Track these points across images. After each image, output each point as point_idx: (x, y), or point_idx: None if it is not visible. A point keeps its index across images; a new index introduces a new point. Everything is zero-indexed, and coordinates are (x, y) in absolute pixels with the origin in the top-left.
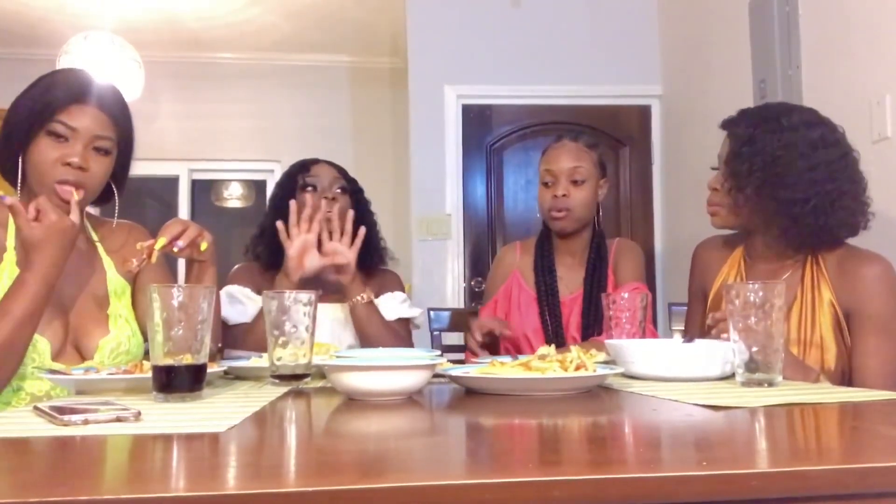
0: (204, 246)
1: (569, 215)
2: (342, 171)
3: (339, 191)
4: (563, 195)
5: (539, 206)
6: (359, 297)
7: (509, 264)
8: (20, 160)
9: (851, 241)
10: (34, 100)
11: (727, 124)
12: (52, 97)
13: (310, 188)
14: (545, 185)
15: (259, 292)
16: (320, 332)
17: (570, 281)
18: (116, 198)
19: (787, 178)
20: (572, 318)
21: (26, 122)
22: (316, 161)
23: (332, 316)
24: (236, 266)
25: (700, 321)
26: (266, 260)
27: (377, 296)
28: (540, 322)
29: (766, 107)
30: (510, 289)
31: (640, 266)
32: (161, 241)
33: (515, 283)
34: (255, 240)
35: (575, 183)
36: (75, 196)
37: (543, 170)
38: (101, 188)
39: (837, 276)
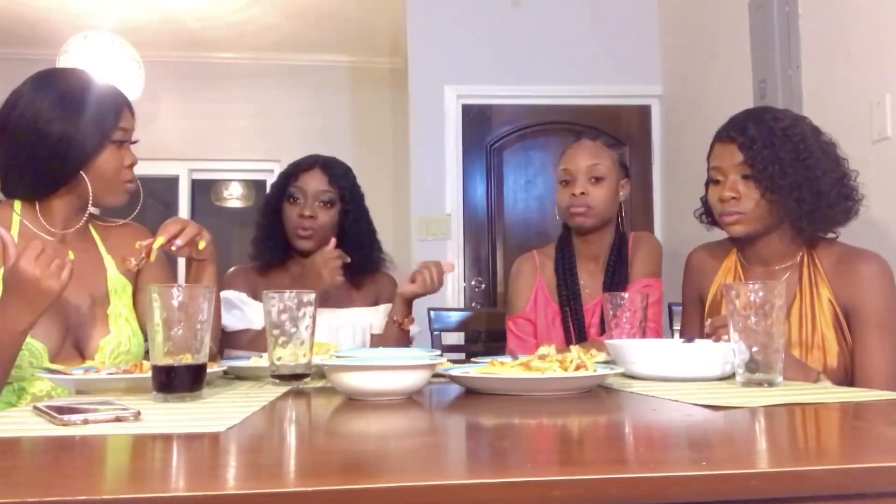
0: (202, 245)
1: (588, 212)
2: (336, 177)
3: (321, 204)
4: (582, 193)
5: (557, 206)
6: (397, 319)
7: (531, 273)
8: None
9: (850, 239)
10: (88, 112)
11: (733, 135)
12: (106, 108)
13: (292, 199)
14: (564, 183)
15: (255, 295)
16: (319, 337)
17: (591, 287)
18: (141, 194)
19: (815, 169)
20: (594, 325)
21: (89, 135)
22: (310, 166)
23: (331, 321)
24: (231, 269)
25: (697, 327)
26: (263, 261)
27: (375, 302)
28: (563, 330)
29: (757, 110)
30: (536, 301)
31: (655, 261)
32: (159, 241)
33: (542, 295)
34: (253, 241)
35: (593, 180)
36: (71, 256)
37: (561, 169)
38: None
39: (835, 275)
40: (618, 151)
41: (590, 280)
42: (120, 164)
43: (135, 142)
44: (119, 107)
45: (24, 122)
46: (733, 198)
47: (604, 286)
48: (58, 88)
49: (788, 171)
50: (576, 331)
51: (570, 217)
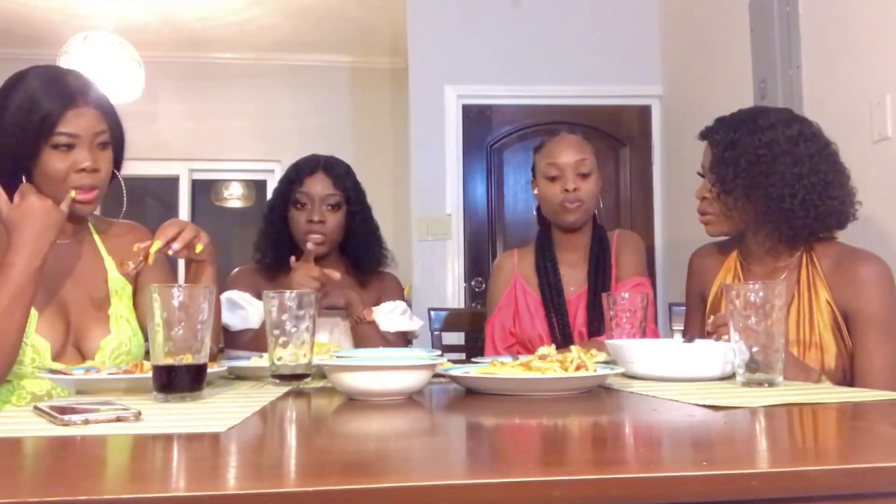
0: (199, 248)
1: (581, 207)
2: (339, 179)
3: (329, 207)
4: (575, 189)
5: (544, 201)
6: (359, 317)
7: (509, 270)
8: (23, 174)
9: (850, 239)
10: (24, 117)
11: (706, 133)
12: (44, 111)
13: (299, 205)
14: (550, 179)
15: (259, 297)
16: (321, 337)
17: (573, 279)
18: (124, 190)
19: (772, 175)
20: (578, 316)
21: (24, 139)
22: (312, 170)
23: (334, 322)
24: (236, 270)
25: (699, 327)
26: (269, 264)
27: (377, 302)
28: (546, 323)
29: (741, 112)
30: (514, 294)
31: (641, 259)
32: (157, 244)
33: (519, 287)
34: (257, 244)
35: (582, 176)
36: (72, 194)
37: (547, 164)
38: (109, 180)
39: (834, 276)
40: (592, 145)
41: (570, 270)
42: (66, 169)
43: (107, 143)
44: (58, 111)
45: None
46: (704, 197)
47: (588, 275)
48: (2, 92)
49: (742, 175)
50: (559, 321)
51: (564, 212)
